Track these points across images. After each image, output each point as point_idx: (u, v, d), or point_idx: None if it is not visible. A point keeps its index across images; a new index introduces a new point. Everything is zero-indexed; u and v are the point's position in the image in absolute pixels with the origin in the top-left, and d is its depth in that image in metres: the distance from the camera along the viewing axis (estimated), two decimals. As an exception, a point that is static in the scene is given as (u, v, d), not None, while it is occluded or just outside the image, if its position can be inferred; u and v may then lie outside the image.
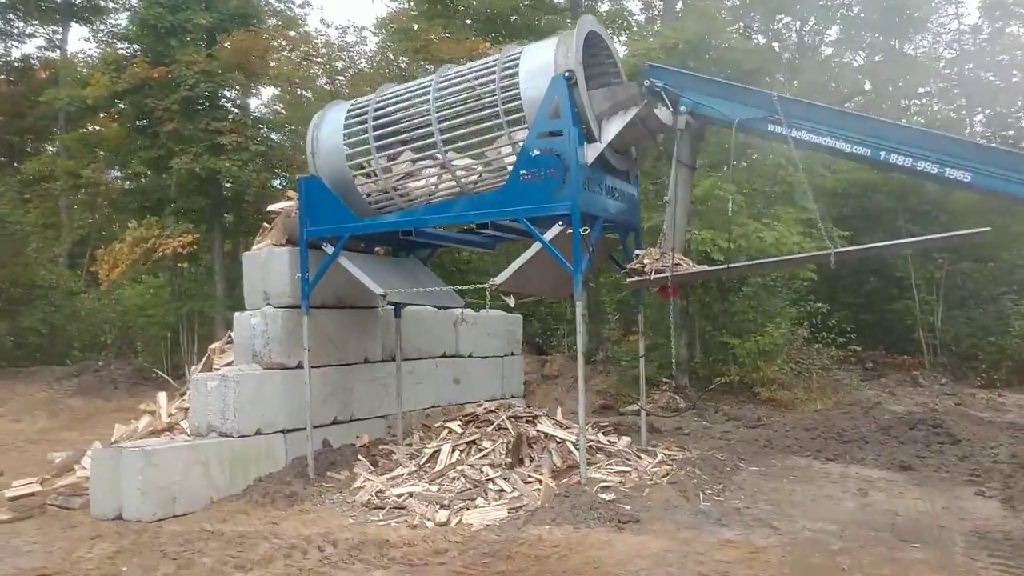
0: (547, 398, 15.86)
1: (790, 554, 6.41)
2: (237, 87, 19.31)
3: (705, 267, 9.68)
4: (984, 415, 12.93)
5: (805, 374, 14.98)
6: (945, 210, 18.72)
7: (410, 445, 11.07)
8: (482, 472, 9.22)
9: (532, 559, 6.49)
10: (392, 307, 11.03)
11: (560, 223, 8.45)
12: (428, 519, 8.12)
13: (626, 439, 10.33)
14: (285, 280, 9.96)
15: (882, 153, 7.68)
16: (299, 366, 9.93)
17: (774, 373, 14.64)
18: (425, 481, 9.22)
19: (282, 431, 9.66)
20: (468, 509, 8.38)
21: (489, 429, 9.93)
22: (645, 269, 8.73)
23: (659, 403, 14.00)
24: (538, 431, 9.96)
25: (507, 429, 9.90)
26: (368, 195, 9.73)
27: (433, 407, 12.53)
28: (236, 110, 19.90)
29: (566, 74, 8.41)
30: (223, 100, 19.45)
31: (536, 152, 8.49)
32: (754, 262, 11.55)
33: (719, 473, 8.99)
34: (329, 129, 9.80)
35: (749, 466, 9.54)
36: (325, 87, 22.37)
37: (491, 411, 10.33)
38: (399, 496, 8.88)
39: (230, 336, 11.21)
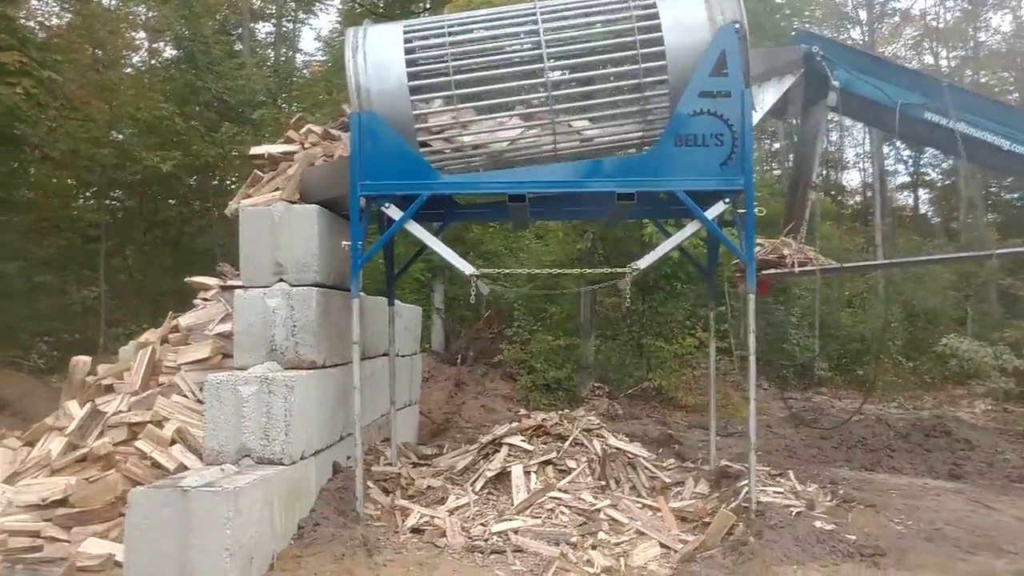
0: (437, 402, 14.35)
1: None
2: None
3: (859, 263, 9.17)
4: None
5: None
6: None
7: (415, 466, 9.30)
8: (582, 499, 7.88)
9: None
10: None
11: (726, 200, 7.41)
12: (585, 565, 6.66)
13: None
14: (311, 249, 7.72)
15: None
16: (327, 365, 7.78)
17: (691, 378, 14.61)
18: (512, 513, 7.67)
19: (314, 453, 7.45)
20: (598, 548, 7.05)
21: (566, 445, 8.53)
22: (786, 261, 8.01)
23: (599, 410, 13.24)
24: (610, 446, 8.78)
25: (584, 445, 8.59)
26: (431, 149, 7.83)
27: (383, 415, 10.61)
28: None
29: (736, 24, 7.41)
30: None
31: (693, 114, 7.38)
32: (909, 259, 11.27)
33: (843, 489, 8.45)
34: (382, 56, 7.66)
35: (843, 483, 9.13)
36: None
37: (558, 422, 8.89)
38: (499, 535, 7.25)
39: (175, 322, 8.51)
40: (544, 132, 7.76)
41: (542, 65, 7.50)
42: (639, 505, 7.96)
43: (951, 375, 21.06)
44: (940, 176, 37.03)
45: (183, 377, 7.95)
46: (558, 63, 7.67)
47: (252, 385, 6.84)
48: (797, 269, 7.93)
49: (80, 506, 6.89)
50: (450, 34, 7.76)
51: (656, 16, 7.50)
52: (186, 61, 19.50)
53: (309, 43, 51.37)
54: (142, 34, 23.66)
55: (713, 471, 8.90)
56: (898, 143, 31.48)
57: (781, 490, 7.98)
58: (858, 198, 36.78)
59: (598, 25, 7.75)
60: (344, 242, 7.54)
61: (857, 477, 9.56)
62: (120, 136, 18.89)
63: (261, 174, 8.47)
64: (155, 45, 24.37)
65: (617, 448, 8.80)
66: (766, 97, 7.90)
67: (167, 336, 8.46)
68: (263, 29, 31.72)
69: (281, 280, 7.71)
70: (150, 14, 21.76)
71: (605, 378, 15.45)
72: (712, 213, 7.41)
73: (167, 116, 17.19)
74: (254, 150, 8.77)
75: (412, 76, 7.60)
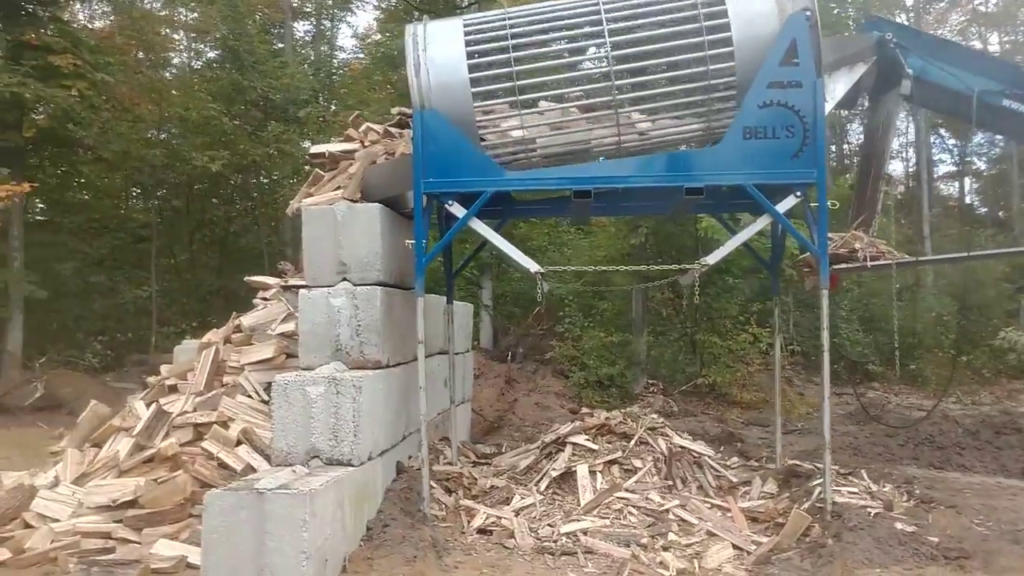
0: (488, 400, 14.28)
1: None
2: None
3: (938, 256, 8.95)
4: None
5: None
6: None
7: (475, 465, 9.25)
8: (650, 499, 7.75)
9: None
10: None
11: (797, 194, 7.23)
12: (658, 567, 6.53)
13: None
14: (374, 247, 7.66)
15: None
16: (391, 364, 7.73)
17: (746, 375, 14.40)
18: (580, 513, 7.57)
19: (380, 454, 7.41)
20: (669, 549, 6.91)
21: (631, 444, 8.41)
22: (858, 255, 7.81)
23: (654, 407, 13.09)
24: (675, 444, 8.64)
25: (649, 443, 8.46)
26: (491, 144, 7.73)
27: (439, 414, 10.56)
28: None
29: (807, 12, 7.21)
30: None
31: (763, 105, 7.20)
32: (985, 253, 11.04)
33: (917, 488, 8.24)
34: (444, 51, 7.59)
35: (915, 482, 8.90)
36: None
37: (622, 421, 8.77)
38: (568, 536, 7.15)
39: (238, 322, 8.52)
40: (607, 127, 7.64)
41: (605, 58, 7.39)
42: (708, 505, 7.81)
43: (1007, 369, 20.59)
44: (987, 165, 36.40)
45: (247, 377, 7.96)
46: (621, 57, 7.52)
47: (320, 386, 6.81)
48: (870, 263, 7.73)
49: (150, 507, 6.91)
50: (511, 28, 7.67)
51: (723, 3, 7.34)
52: (230, 61, 19.62)
53: (345, 40, 51.68)
54: (181, 34, 23.94)
55: (781, 470, 8.72)
56: (943, 132, 30.95)
57: (855, 490, 7.78)
58: (901, 188, 36.15)
59: (662, 16, 7.61)
60: (408, 240, 7.49)
61: (927, 476, 9.30)
62: (163, 136, 19.08)
63: (322, 173, 8.43)
64: (196, 46, 24.64)
65: (682, 447, 8.66)
66: (837, 87, 7.69)
67: (230, 336, 8.47)
68: (301, 27, 31.95)
69: (344, 279, 7.66)
70: (191, 15, 22.00)
71: (657, 375, 15.29)
72: (783, 207, 7.24)
73: (215, 116, 17.32)
74: (314, 149, 8.74)
75: (473, 72, 7.51)
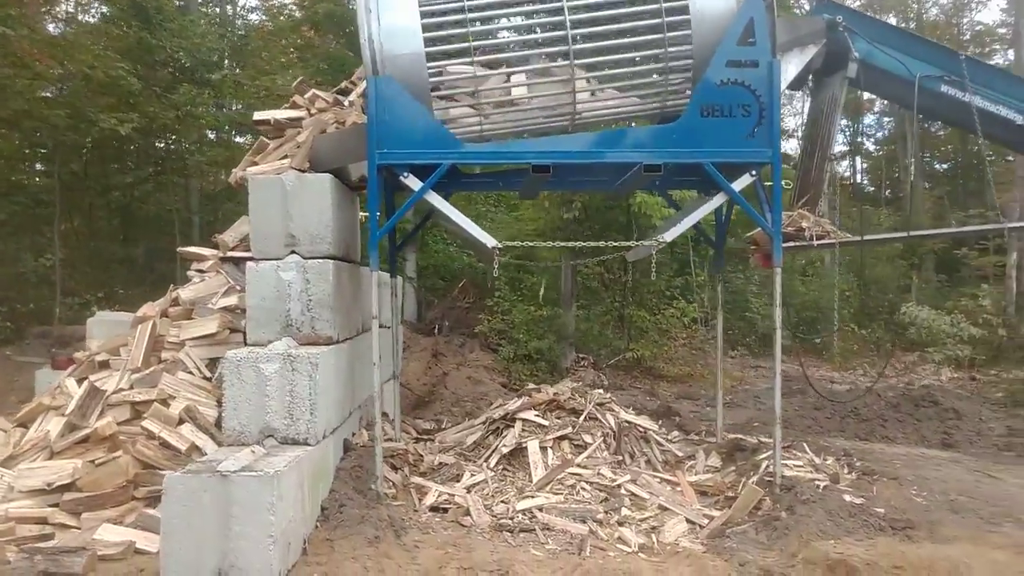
0: (415, 373, 14.15)
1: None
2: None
3: (879, 235, 9.16)
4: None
5: (697, 350, 15.26)
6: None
7: (416, 441, 9.16)
8: (602, 475, 7.82)
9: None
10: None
11: (752, 173, 7.34)
12: (618, 543, 6.61)
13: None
14: (324, 219, 7.40)
15: None
16: (340, 340, 7.53)
17: (674, 349, 14.69)
18: (533, 489, 7.58)
19: (332, 431, 7.22)
20: (625, 524, 7.01)
21: (581, 419, 8.44)
22: (805, 234, 8.00)
23: (585, 381, 13.21)
24: (622, 420, 8.73)
25: (598, 419, 8.51)
26: (447, 116, 7.57)
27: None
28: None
29: (765, -8, 7.30)
30: None
31: (720, 84, 7.26)
32: (927, 232, 11.28)
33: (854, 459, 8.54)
34: (396, 18, 7.33)
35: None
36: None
37: (571, 396, 8.78)
38: (524, 512, 7.15)
39: (175, 295, 8.13)
40: (563, 93, 7.56)
41: (563, 26, 7.28)
42: (657, 480, 7.94)
43: (903, 343, 21.65)
44: (875, 146, 38.03)
45: (188, 353, 7.62)
46: (579, 27, 7.43)
47: (275, 363, 6.58)
48: (816, 242, 7.93)
49: (89, 490, 6.58)
50: (469, -4, 7.50)
51: (681, -24, 7.36)
52: (136, 16, 18.56)
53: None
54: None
55: (724, 444, 8.93)
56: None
57: (800, 463, 8.04)
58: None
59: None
60: (363, 214, 7.29)
61: (856, 448, 9.67)
62: (65, 95, 17.96)
63: (267, 140, 8.09)
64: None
65: (629, 422, 8.76)
66: (789, 68, 7.80)
67: (166, 310, 8.07)
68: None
69: (293, 252, 7.39)
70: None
71: (585, 349, 15.43)
72: (738, 186, 7.35)
73: (123, 76, 16.38)
74: (257, 115, 8.36)
75: (428, 39, 7.32)
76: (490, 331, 14.95)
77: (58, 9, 21.83)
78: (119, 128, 15.90)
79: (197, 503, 5.37)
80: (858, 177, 38.56)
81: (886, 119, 35.79)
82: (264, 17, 29.62)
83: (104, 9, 21.71)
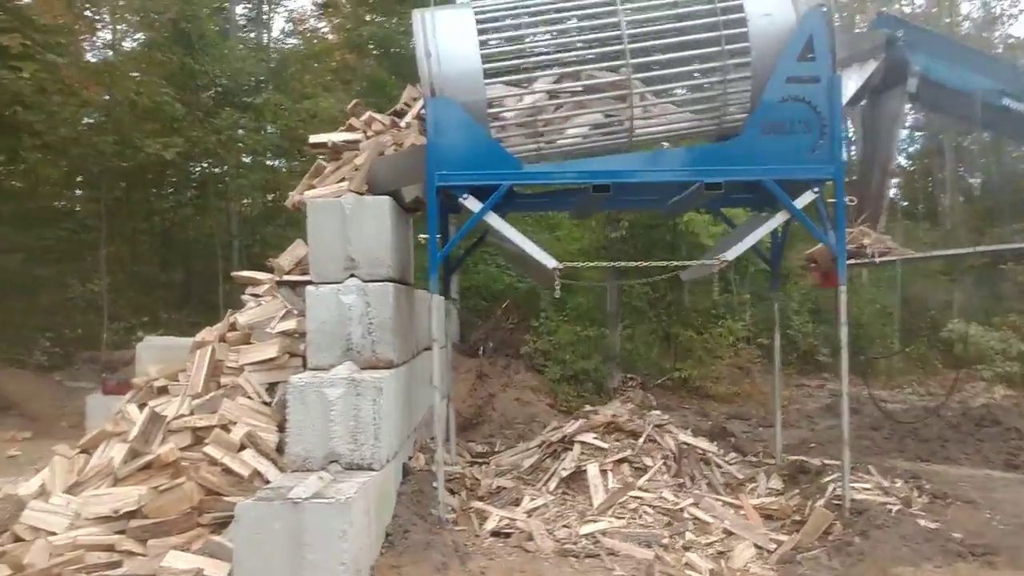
0: (460, 395, 14.10)
1: None
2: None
3: (944, 252, 9.04)
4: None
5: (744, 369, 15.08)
6: None
7: (471, 464, 9.11)
8: (664, 498, 7.70)
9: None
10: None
11: (814, 189, 7.25)
12: (686, 568, 6.49)
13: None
14: (384, 242, 7.39)
15: None
16: (399, 363, 7.50)
17: (721, 368, 14.53)
18: (595, 514, 7.48)
19: (394, 456, 7.18)
20: (691, 549, 6.88)
21: (640, 441, 8.34)
22: (867, 252, 7.88)
23: (634, 401, 13.08)
24: (681, 442, 8.61)
25: (657, 441, 8.41)
26: (505, 136, 7.56)
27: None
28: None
29: (823, 7, 7.24)
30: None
31: (781, 100, 7.19)
32: (992, 248, 11.12)
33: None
34: (454, 41, 7.35)
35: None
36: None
37: (629, 419, 8.69)
38: (587, 537, 7.06)
39: (233, 320, 8.15)
40: (621, 108, 7.52)
41: (621, 44, 7.25)
42: (720, 503, 7.81)
43: (949, 360, 21.25)
44: (907, 161, 37.54)
45: (247, 378, 7.61)
46: (637, 43, 7.39)
47: (339, 387, 6.55)
48: (879, 259, 7.81)
49: (154, 517, 6.55)
50: (526, 15, 7.51)
51: (739, -4, 7.31)
52: (179, 42, 18.82)
53: (280, 26, 50.41)
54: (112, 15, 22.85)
55: (785, 466, 8.78)
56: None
57: (868, 486, 7.87)
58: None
59: (679, 6, 7.55)
60: (422, 236, 7.28)
61: (919, 470, 9.44)
62: (112, 122, 18.24)
63: (324, 164, 8.12)
64: (122, 28, 23.55)
65: (688, 443, 8.64)
66: (848, 84, 7.74)
67: (224, 335, 8.09)
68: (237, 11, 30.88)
69: (352, 275, 7.38)
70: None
71: (632, 369, 15.30)
72: (800, 203, 7.25)
73: (167, 101, 16.61)
74: (314, 139, 8.41)
75: (486, 61, 7.33)
76: (535, 351, 14.89)
77: (95, 38, 22.27)
78: (164, 153, 16.10)
79: (269, 531, 5.35)
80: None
81: (917, 134, 35.46)
82: (298, 41, 29.96)
83: (141, 35, 22.10)
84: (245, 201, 22.52)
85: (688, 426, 11.18)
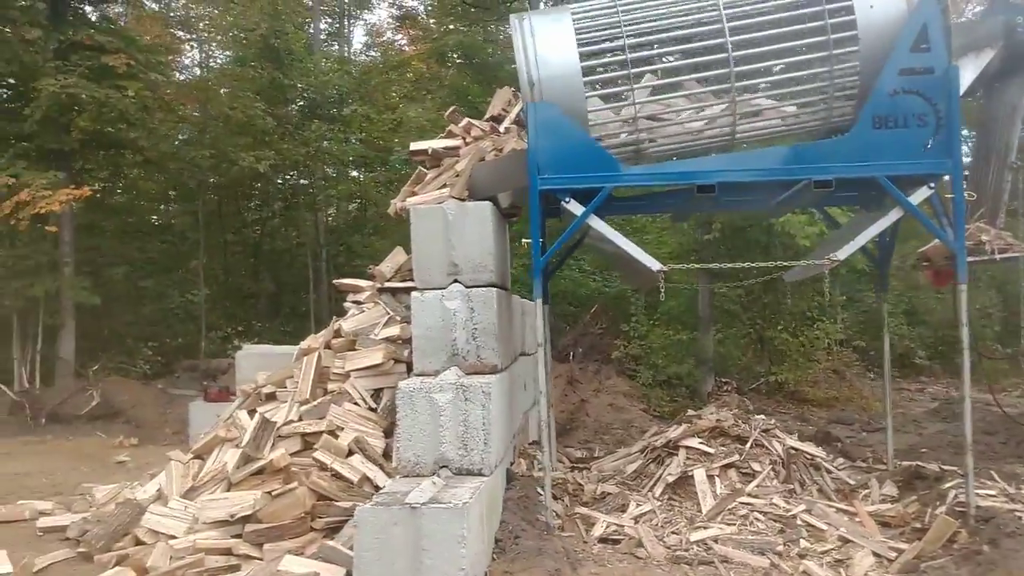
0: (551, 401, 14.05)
1: None
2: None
3: None
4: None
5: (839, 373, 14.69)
6: None
7: (571, 469, 9.04)
8: (775, 504, 7.51)
9: None
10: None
11: (930, 185, 6.98)
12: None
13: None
14: (487, 248, 7.37)
15: None
16: (503, 368, 7.49)
17: (819, 372, 14.17)
18: (704, 520, 7.33)
19: (501, 461, 7.17)
20: (806, 556, 6.68)
21: (747, 446, 8.17)
22: (986, 248, 7.55)
23: (731, 406, 12.82)
24: (789, 447, 8.39)
25: (764, 446, 8.22)
26: (604, 137, 7.50)
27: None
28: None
29: (940, -5, 6.96)
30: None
31: (893, 93, 6.95)
32: None
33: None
34: (552, 44, 7.31)
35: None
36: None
37: (735, 423, 8.53)
38: (698, 544, 6.91)
39: (338, 327, 8.26)
40: (725, 114, 7.39)
41: (723, 38, 7.10)
42: (833, 509, 7.57)
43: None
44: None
45: (353, 384, 7.71)
46: (739, 36, 7.23)
47: (448, 392, 6.58)
48: (999, 256, 7.47)
49: (268, 521, 6.68)
50: (622, 16, 7.42)
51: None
52: (269, 58, 19.33)
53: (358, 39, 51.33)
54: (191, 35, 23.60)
55: (899, 471, 8.48)
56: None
57: (992, 492, 7.53)
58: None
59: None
60: (525, 240, 7.26)
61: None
62: (208, 136, 18.83)
63: (425, 170, 8.19)
64: (208, 47, 24.31)
65: (796, 449, 8.42)
66: (965, 74, 7.41)
67: (329, 342, 8.21)
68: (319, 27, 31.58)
69: (456, 281, 7.40)
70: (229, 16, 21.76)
71: (724, 373, 15.04)
72: (915, 199, 6.99)
73: (259, 115, 17.05)
74: (414, 146, 8.50)
75: (585, 63, 7.27)
76: (626, 356, 14.75)
77: (185, 56, 23.05)
78: (258, 166, 16.53)
79: (388, 536, 5.38)
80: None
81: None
82: (377, 54, 30.52)
83: (228, 53, 22.78)
84: (331, 211, 23.00)
85: (789, 431, 10.93)
